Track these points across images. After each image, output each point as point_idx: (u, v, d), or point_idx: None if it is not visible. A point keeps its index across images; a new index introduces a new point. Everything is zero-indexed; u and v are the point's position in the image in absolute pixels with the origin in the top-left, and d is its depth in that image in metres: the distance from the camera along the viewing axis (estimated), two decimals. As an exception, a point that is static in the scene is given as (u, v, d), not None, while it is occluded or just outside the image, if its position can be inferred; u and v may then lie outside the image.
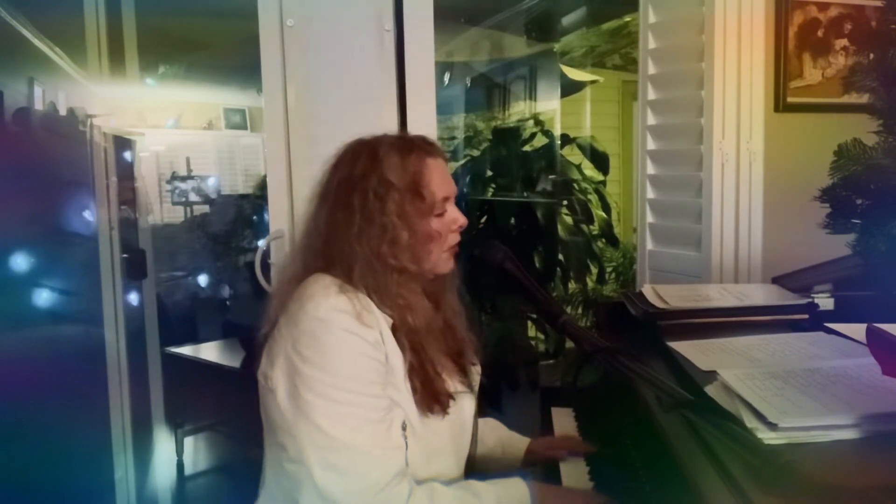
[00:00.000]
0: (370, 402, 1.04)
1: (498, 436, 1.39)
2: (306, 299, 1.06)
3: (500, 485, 1.12)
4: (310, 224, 1.18)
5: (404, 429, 1.08)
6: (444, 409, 1.12)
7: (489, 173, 3.75)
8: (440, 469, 1.13)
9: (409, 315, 1.11)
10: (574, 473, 1.26)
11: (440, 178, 1.17)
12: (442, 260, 1.19)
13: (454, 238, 1.20)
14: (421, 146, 1.18)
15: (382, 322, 1.08)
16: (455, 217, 1.19)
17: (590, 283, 3.79)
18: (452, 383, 1.17)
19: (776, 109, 2.03)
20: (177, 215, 5.32)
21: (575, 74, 4.56)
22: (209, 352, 3.67)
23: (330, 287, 1.07)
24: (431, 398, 1.10)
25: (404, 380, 1.09)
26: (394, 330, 1.10)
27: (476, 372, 1.27)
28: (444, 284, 1.23)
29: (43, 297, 1.90)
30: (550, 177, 3.64)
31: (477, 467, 1.25)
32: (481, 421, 1.32)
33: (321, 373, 1.02)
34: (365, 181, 1.13)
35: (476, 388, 1.25)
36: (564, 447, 1.33)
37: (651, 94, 2.24)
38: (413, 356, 1.10)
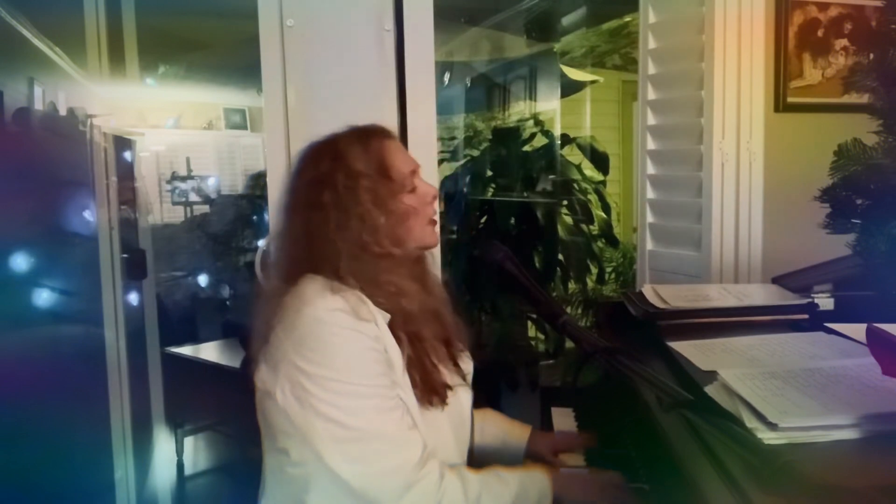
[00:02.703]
0: (381, 392, 1.05)
1: (498, 425, 1.39)
2: (302, 303, 1.06)
3: (521, 472, 1.16)
4: (285, 235, 1.18)
5: None
6: (443, 401, 1.13)
7: (489, 173, 3.74)
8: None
9: (402, 300, 1.12)
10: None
11: (402, 156, 1.20)
12: (427, 233, 1.20)
13: (431, 210, 1.21)
14: (377, 131, 1.21)
15: (379, 317, 1.09)
16: (426, 189, 1.20)
17: (590, 283, 3.78)
18: (449, 375, 1.18)
19: (776, 109, 2.03)
20: (177, 215, 5.30)
21: (575, 74, 4.56)
22: (209, 352, 3.66)
23: (324, 288, 1.07)
24: (431, 390, 1.12)
25: (403, 373, 1.09)
26: (390, 325, 1.10)
27: (468, 360, 1.27)
28: (424, 268, 1.24)
29: (43, 297, 1.89)
30: (550, 177, 3.63)
31: (477, 461, 1.26)
32: (479, 412, 1.32)
33: (329, 371, 1.02)
34: (332, 177, 1.13)
35: (470, 378, 1.26)
36: (566, 448, 1.33)
37: (651, 94, 2.24)
38: (411, 349, 1.11)
